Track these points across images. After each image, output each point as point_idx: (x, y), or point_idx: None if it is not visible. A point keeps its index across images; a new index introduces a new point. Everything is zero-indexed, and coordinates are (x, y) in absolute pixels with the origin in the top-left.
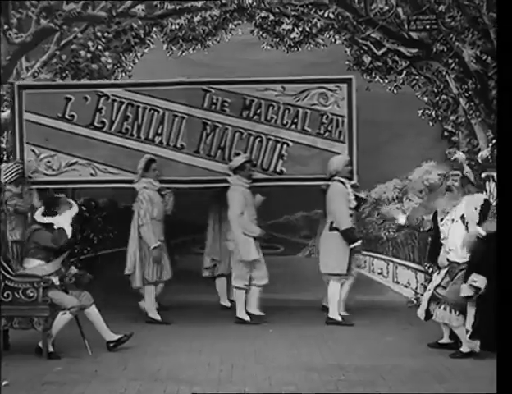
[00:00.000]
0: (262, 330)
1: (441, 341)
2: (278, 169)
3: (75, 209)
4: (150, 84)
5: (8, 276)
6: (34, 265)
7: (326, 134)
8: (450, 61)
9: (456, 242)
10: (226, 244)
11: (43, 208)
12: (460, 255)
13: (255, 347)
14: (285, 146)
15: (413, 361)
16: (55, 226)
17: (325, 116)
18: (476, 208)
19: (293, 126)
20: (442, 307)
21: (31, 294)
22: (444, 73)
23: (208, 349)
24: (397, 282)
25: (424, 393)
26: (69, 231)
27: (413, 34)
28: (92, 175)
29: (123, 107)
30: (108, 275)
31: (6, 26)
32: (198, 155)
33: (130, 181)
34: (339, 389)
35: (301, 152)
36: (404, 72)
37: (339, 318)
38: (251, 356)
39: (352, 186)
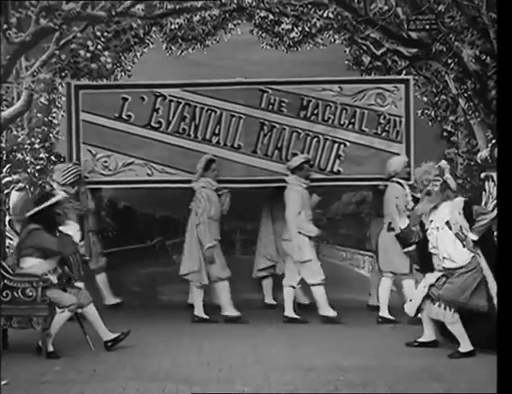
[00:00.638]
0: (260, 329)
1: (420, 340)
2: (335, 169)
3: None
4: (208, 85)
5: (7, 275)
6: (30, 264)
7: (384, 134)
8: (450, 61)
9: (448, 249)
10: (282, 244)
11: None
12: (457, 259)
13: (254, 346)
14: (342, 146)
15: (413, 361)
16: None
17: (382, 117)
18: (460, 213)
19: (350, 126)
20: (437, 304)
21: (30, 293)
22: (443, 73)
23: (207, 348)
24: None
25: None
26: (78, 236)
27: (413, 34)
28: (148, 175)
29: (180, 107)
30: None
31: (5, 26)
32: (256, 155)
33: (187, 181)
34: (338, 389)
35: (358, 152)
36: (404, 72)
37: (390, 317)
38: (250, 355)
39: (409, 187)
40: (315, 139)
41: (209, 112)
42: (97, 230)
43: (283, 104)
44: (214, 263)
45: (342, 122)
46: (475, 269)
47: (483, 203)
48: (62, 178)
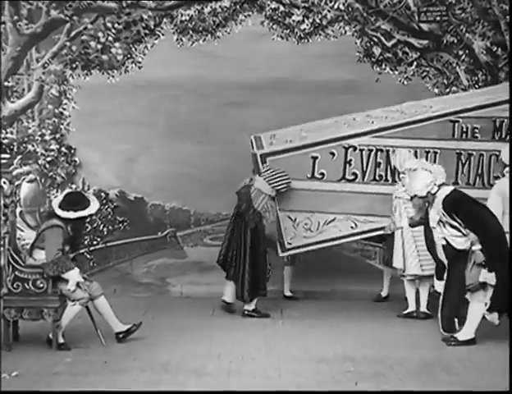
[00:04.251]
0: (271, 321)
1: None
2: None
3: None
4: (397, 126)
5: (18, 267)
6: (42, 257)
7: None
8: (461, 52)
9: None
10: None
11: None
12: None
13: (265, 338)
14: None
15: (424, 353)
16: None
17: None
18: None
19: None
20: None
21: (41, 285)
22: (454, 65)
23: (218, 340)
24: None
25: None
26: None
27: (424, 26)
28: (352, 228)
29: (372, 154)
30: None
31: (16, 17)
32: (458, 185)
33: None
34: (348, 381)
35: None
36: (415, 64)
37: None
38: (261, 347)
39: None
40: None
41: None
42: None
43: (476, 130)
44: None
45: None
46: None
47: None
48: (275, 182)
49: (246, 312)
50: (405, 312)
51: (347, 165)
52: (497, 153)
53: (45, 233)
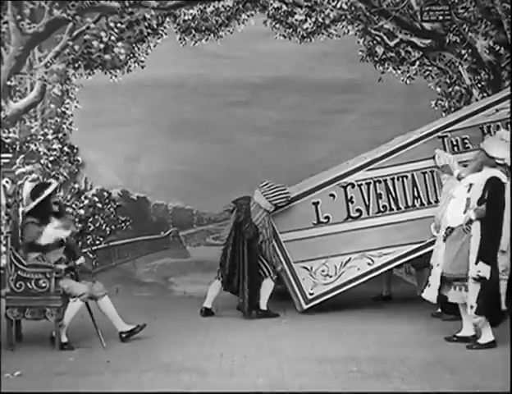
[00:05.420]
0: (274, 321)
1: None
2: None
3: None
4: (387, 155)
5: (21, 266)
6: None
7: None
8: (463, 51)
9: None
10: None
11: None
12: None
13: (268, 338)
14: None
15: (427, 352)
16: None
17: None
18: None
19: None
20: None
21: (44, 284)
22: (457, 64)
23: (221, 339)
24: (410, 273)
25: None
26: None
27: (426, 25)
28: (369, 264)
29: (371, 187)
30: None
31: (19, 16)
32: None
33: (410, 253)
34: (351, 380)
35: None
36: (417, 63)
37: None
38: (264, 347)
39: None
40: None
41: (401, 179)
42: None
43: (467, 141)
44: None
45: None
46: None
47: None
48: (273, 197)
49: (259, 313)
50: None
51: (349, 203)
52: None
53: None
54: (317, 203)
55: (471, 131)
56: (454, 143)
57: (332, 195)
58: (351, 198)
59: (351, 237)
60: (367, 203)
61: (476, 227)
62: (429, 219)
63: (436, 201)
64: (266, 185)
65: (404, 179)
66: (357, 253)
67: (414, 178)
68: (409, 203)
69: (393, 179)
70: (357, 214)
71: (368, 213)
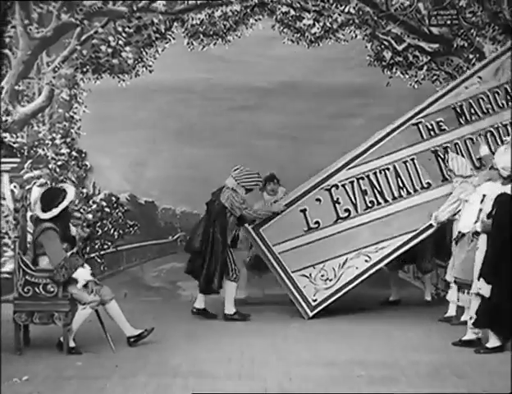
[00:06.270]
0: (282, 325)
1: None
2: None
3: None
4: (365, 151)
5: (29, 271)
6: (46, 262)
7: None
8: (471, 56)
9: None
10: None
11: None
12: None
13: (276, 342)
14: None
15: (434, 356)
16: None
17: None
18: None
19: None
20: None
21: (52, 289)
22: (465, 68)
23: (229, 344)
24: (417, 277)
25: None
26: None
27: (434, 30)
28: (367, 261)
29: (355, 185)
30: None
31: (27, 21)
32: (447, 181)
33: (409, 241)
34: (359, 385)
35: None
36: (425, 67)
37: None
38: (272, 352)
39: None
40: (489, 133)
41: (383, 172)
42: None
43: (442, 123)
44: None
45: (500, 105)
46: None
47: None
48: (244, 181)
49: (228, 316)
50: None
51: (336, 204)
52: (471, 136)
53: (40, 239)
54: (305, 210)
55: (444, 113)
56: (430, 127)
57: (318, 200)
58: (337, 199)
59: (344, 238)
60: (353, 201)
61: (482, 241)
62: (418, 207)
63: (422, 188)
64: (237, 169)
65: (387, 171)
66: (353, 252)
67: (396, 169)
68: (396, 195)
69: (375, 173)
70: (346, 214)
71: (357, 211)
